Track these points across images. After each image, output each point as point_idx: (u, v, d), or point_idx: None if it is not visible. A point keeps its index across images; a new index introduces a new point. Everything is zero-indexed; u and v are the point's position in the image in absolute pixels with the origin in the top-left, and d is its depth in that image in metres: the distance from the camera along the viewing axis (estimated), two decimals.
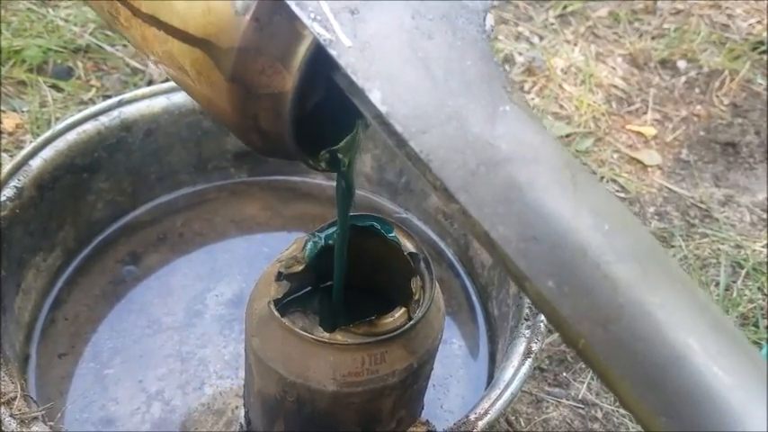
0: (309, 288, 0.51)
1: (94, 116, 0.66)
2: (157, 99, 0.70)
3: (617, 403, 0.69)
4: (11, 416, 0.45)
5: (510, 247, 0.25)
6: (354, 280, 0.50)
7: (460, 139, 0.27)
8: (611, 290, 0.25)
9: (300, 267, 0.48)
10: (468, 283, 0.73)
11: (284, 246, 0.51)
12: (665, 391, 0.24)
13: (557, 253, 0.25)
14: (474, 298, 0.72)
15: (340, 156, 0.37)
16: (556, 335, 0.73)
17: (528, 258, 0.25)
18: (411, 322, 0.46)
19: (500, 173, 0.26)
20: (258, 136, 0.33)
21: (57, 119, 0.88)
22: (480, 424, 0.48)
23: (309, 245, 0.49)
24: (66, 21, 1.00)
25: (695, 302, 0.26)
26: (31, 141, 0.84)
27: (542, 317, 0.56)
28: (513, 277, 0.27)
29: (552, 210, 0.26)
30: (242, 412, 0.60)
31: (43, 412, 0.47)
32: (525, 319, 0.56)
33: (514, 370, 0.52)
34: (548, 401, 0.69)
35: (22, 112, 0.88)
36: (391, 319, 0.46)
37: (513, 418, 0.67)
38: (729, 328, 0.26)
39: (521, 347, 0.54)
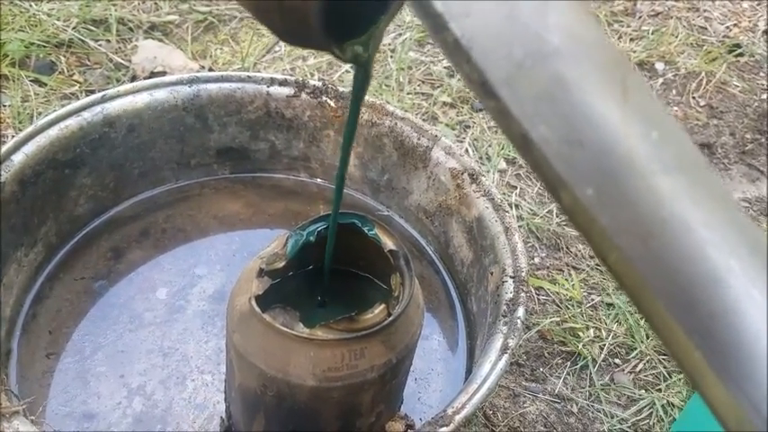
0: (291, 279, 0.52)
1: (77, 112, 0.66)
2: (140, 95, 0.70)
3: (592, 398, 0.71)
4: None
5: (550, 150, 0.23)
6: (336, 271, 0.51)
7: (508, 26, 0.24)
8: (654, 202, 0.24)
9: (282, 264, 0.49)
10: (448, 280, 0.75)
11: (267, 243, 0.51)
12: (700, 312, 0.23)
13: (600, 159, 0.23)
14: (453, 295, 0.73)
15: (361, 50, 0.35)
16: (533, 331, 0.75)
17: (569, 163, 0.23)
18: (390, 318, 0.47)
19: (548, 68, 0.24)
20: (280, 16, 0.31)
21: (39, 113, 0.88)
22: (457, 418, 0.49)
23: (291, 241, 0.50)
24: (49, 15, 1.00)
25: (737, 223, 0.25)
26: (12, 136, 0.83)
27: (520, 313, 0.57)
28: (547, 183, 0.24)
29: (600, 113, 0.24)
30: (223, 407, 0.61)
31: (24, 407, 0.47)
32: (503, 316, 0.58)
33: (491, 365, 0.53)
34: (525, 396, 0.70)
35: (4, 106, 0.88)
36: (371, 315, 0.47)
37: (491, 412, 0.68)
38: (766, 251, 0.25)
39: (498, 343, 0.55)
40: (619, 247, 0.24)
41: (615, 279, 0.25)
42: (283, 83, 0.75)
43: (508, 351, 0.54)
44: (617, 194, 0.23)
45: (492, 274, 0.64)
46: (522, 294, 0.59)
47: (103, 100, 0.68)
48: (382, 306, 0.48)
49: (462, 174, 0.70)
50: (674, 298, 0.23)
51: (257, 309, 0.45)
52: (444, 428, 0.48)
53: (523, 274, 0.61)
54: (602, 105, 0.24)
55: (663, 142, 0.24)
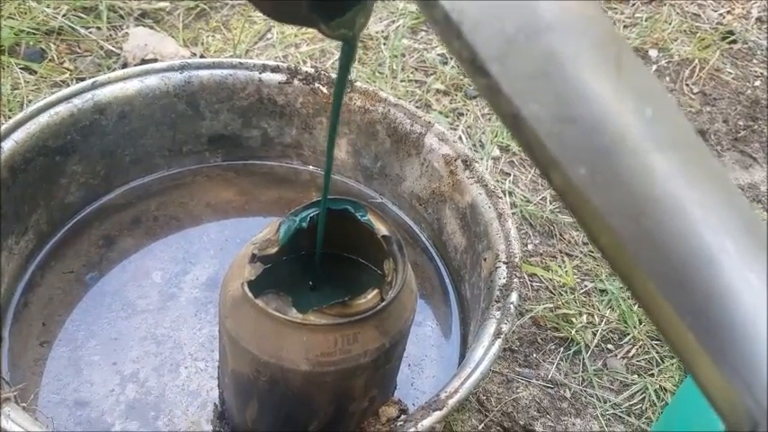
0: (284, 265, 0.52)
1: (67, 98, 0.66)
2: (131, 82, 0.69)
3: (585, 383, 0.71)
4: None
5: (542, 128, 0.23)
6: (329, 257, 0.51)
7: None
8: (647, 181, 0.23)
9: (274, 249, 0.49)
10: (442, 267, 0.75)
11: (260, 230, 0.51)
12: (693, 292, 0.23)
13: (593, 137, 0.23)
14: (447, 281, 0.74)
15: (346, 28, 0.35)
16: (527, 317, 0.75)
17: (561, 142, 0.23)
18: (383, 304, 0.47)
19: (540, 43, 0.23)
20: None
21: (29, 101, 0.87)
22: (450, 402, 0.49)
23: (284, 227, 0.50)
24: (39, 2, 0.99)
25: (732, 203, 0.24)
26: (2, 124, 0.83)
27: (513, 298, 0.57)
28: (538, 164, 0.24)
29: (593, 89, 0.23)
30: (216, 394, 0.61)
31: (16, 393, 0.47)
32: (496, 301, 0.58)
33: (484, 350, 0.53)
34: (518, 381, 0.70)
35: None
36: (364, 300, 0.47)
37: (485, 397, 0.68)
38: (762, 232, 0.24)
39: (491, 328, 0.55)
40: (611, 228, 0.23)
41: (607, 260, 0.25)
42: (275, 69, 0.74)
43: (501, 336, 0.54)
44: (609, 173, 0.23)
45: (485, 260, 0.64)
46: (516, 280, 0.59)
47: (94, 86, 0.68)
48: (375, 291, 0.48)
49: (455, 160, 0.70)
50: (666, 278, 0.23)
51: (249, 294, 0.45)
52: (437, 412, 0.48)
53: (517, 259, 0.61)
54: (595, 82, 0.23)
55: (657, 120, 0.24)
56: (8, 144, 0.62)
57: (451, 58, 1.05)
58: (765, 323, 0.23)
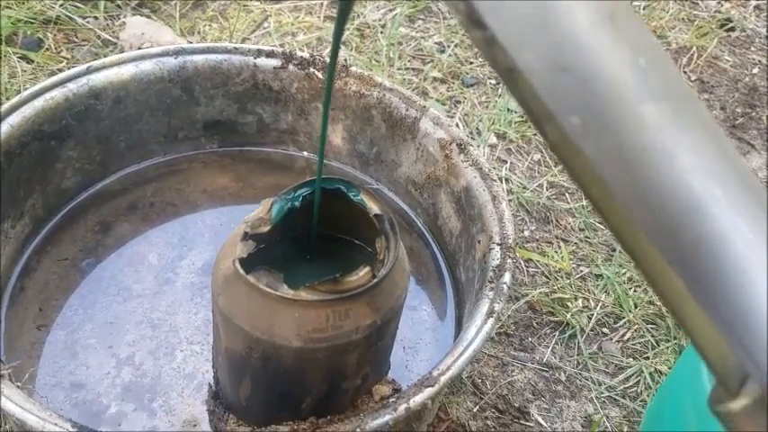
0: (276, 244, 0.52)
1: (62, 83, 0.66)
2: (126, 66, 0.69)
3: (580, 366, 0.71)
4: None
5: (537, 79, 0.23)
6: (322, 236, 0.51)
7: None
8: (639, 130, 0.23)
9: (267, 228, 0.49)
10: (438, 252, 0.75)
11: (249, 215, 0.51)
12: (684, 240, 0.23)
13: (587, 87, 0.23)
14: (443, 266, 0.74)
15: None
16: (522, 302, 0.75)
17: (555, 92, 0.23)
18: (375, 280, 0.47)
19: None
20: None
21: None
22: (443, 379, 0.49)
23: (276, 206, 0.50)
24: None
25: (723, 152, 0.24)
26: None
27: (506, 279, 0.57)
28: (533, 117, 0.24)
29: (588, 39, 0.23)
30: (212, 376, 0.61)
31: (10, 371, 0.47)
32: (489, 282, 0.58)
33: (477, 329, 0.53)
34: (513, 365, 0.70)
35: None
36: (355, 277, 0.47)
37: (480, 380, 0.69)
38: (754, 183, 0.25)
39: (484, 308, 0.55)
40: (602, 178, 0.23)
41: (598, 212, 0.25)
42: (270, 54, 0.74)
43: (494, 315, 0.54)
44: (602, 122, 0.23)
45: (479, 242, 0.64)
46: (509, 261, 0.59)
47: (89, 71, 0.68)
48: (367, 268, 0.48)
49: (450, 144, 0.70)
50: (656, 227, 0.23)
51: (241, 270, 0.45)
52: (429, 389, 0.48)
53: (510, 240, 0.61)
54: (589, 31, 0.23)
55: (650, 70, 0.24)
56: (4, 128, 0.62)
57: (448, 46, 1.05)
58: (755, 270, 0.23)
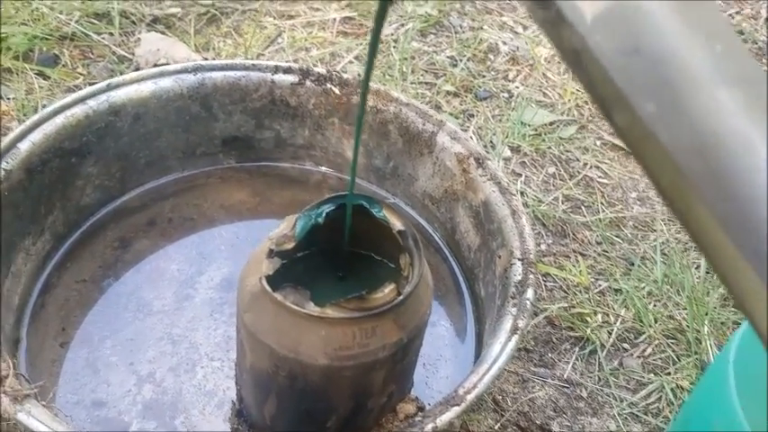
0: (299, 260, 0.52)
1: (83, 100, 0.67)
2: (145, 83, 0.70)
3: (601, 383, 0.71)
4: (3, 393, 0.45)
5: (608, 60, 0.23)
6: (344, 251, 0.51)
7: None
8: (715, 116, 0.23)
9: (291, 245, 0.49)
10: (456, 266, 0.74)
11: (277, 226, 0.51)
12: (759, 231, 0.22)
13: (661, 71, 0.23)
14: (461, 281, 0.73)
15: None
16: (541, 317, 0.75)
17: (628, 74, 0.23)
18: (401, 297, 0.47)
19: None
20: None
21: (43, 106, 0.87)
22: (469, 398, 0.49)
23: (300, 223, 0.50)
24: (52, 8, 1.00)
25: None
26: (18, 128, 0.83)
27: (529, 295, 0.57)
28: (601, 103, 0.24)
29: (662, 21, 0.23)
30: (233, 393, 0.61)
31: (36, 390, 0.47)
32: (511, 297, 0.58)
33: (501, 346, 0.53)
34: (534, 381, 0.70)
35: (8, 99, 0.88)
36: (381, 294, 0.47)
37: (500, 397, 0.68)
38: None
39: (507, 324, 0.55)
40: (677, 166, 0.23)
41: (667, 203, 0.24)
42: (288, 70, 0.75)
43: (518, 332, 0.54)
44: (677, 109, 0.23)
45: (500, 257, 0.64)
46: (531, 276, 0.59)
47: (109, 88, 0.68)
48: (392, 285, 0.48)
49: (468, 158, 0.70)
50: (731, 218, 0.23)
51: (268, 288, 0.45)
52: (456, 408, 0.48)
53: (531, 255, 0.61)
54: (664, 14, 0.23)
55: (726, 56, 0.23)
56: (25, 145, 0.62)
57: (461, 60, 1.05)
58: None
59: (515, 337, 0.54)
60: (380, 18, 0.39)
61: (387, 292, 0.48)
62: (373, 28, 0.40)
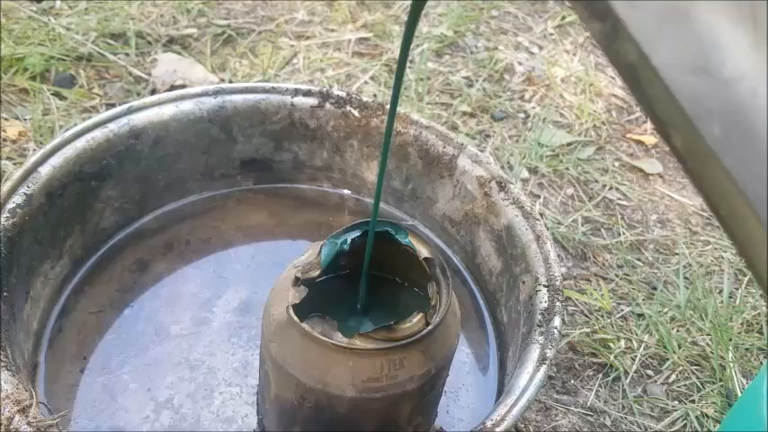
0: (325, 287, 0.51)
1: (103, 123, 0.66)
2: (166, 106, 0.69)
3: (625, 410, 0.70)
4: (27, 423, 0.45)
5: (673, 78, 0.22)
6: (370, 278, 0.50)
7: None
8: None
9: (317, 272, 0.48)
10: (476, 291, 0.73)
11: (290, 253, 0.51)
12: None
13: (727, 93, 0.22)
14: (482, 305, 0.72)
15: None
16: (563, 342, 0.74)
17: (693, 93, 0.22)
18: (429, 327, 0.46)
19: None
20: None
21: (60, 127, 0.87)
22: (497, 431, 0.48)
23: (325, 250, 0.49)
24: (69, 29, 1.00)
25: None
26: (34, 149, 0.83)
27: (556, 323, 0.56)
28: (658, 121, 0.23)
29: (730, 41, 0.22)
30: (252, 420, 0.60)
31: (58, 420, 0.46)
32: (538, 326, 0.57)
33: (529, 376, 0.52)
34: (557, 409, 0.69)
35: (25, 119, 0.88)
36: (409, 324, 0.46)
37: (523, 425, 0.67)
38: None
39: (534, 354, 0.54)
40: (742, 193, 0.22)
41: (725, 230, 0.23)
42: (307, 93, 0.74)
43: (546, 362, 0.53)
44: (744, 132, 0.22)
45: (524, 283, 0.63)
46: (558, 303, 0.58)
47: (129, 111, 0.68)
48: (420, 315, 0.47)
49: (490, 182, 0.69)
50: None
51: (295, 318, 0.44)
52: None
53: (557, 282, 0.60)
54: (731, 33, 0.22)
55: None
56: (45, 169, 0.62)
57: (476, 81, 1.05)
58: None
59: (543, 368, 0.52)
60: (414, 16, 0.38)
61: (415, 321, 0.47)
62: (407, 24, 0.39)
